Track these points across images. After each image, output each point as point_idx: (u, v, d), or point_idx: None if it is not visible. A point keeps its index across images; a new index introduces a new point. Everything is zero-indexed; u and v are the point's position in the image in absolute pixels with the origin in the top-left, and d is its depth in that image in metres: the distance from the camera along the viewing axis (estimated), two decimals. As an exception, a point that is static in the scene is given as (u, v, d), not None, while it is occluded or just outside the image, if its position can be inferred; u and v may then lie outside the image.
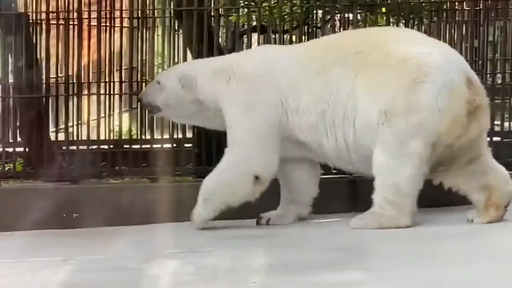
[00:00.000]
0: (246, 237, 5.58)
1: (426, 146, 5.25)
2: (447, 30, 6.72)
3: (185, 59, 6.78)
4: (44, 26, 6.50)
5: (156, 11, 6.67)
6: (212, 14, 6.64)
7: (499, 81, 6.76)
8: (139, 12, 6.66)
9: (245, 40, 6.93)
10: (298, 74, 5.60)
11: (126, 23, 6.80)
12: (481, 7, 6.71)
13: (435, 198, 5.87)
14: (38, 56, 6.48)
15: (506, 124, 6.78)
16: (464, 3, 6.78)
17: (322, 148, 5.58)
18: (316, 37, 7.13)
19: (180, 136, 6.64)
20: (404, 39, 5.52)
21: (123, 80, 6.70)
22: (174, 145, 6.58)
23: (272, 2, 6.60)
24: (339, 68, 5.48)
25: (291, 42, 6.82)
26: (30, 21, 6.47)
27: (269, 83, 5.64)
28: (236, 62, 5.81)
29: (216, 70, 5.77)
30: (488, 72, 6.84)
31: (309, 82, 5.53)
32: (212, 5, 6.65)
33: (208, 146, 6.43)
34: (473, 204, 5.50)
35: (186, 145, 6.60)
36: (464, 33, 7.21)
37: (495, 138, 6.55)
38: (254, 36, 6.89)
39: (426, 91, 5.23)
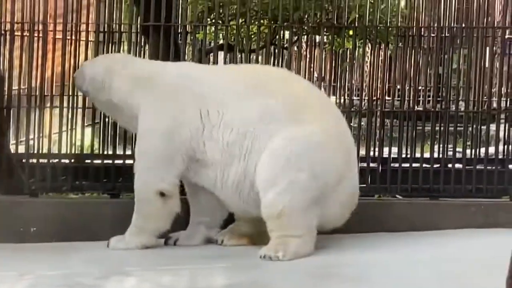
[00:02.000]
0: (203, 257, 5.56)
1: None
2: (413, 56, 6.75)
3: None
4: (8, 37, 6.45)
5: (122, 25, 6.63)
6: (179, 30, 6.64)
7: (462, 109, 6.79)
8: (106, 26, 6.63)
9: (211, 58, 6.91)
10: (226, 91, 5.58)
11: (92, 36, 6.75)
12: (446, 34, 6.76)
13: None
14: (1, 67, 6.39)
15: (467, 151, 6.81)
16: (430, 29, 6.80)
17: (227, 173, 5.52)
18: (283, 58, 7.17)
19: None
20: None
21: (86, 94, 6.63)
22: (136, 161, 6.55)
23: (240, 21, 6.58)
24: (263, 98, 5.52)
25: (257, 61, 6.83)
26: (-6, 31, 6.41)
27: (190, 96, 5.58)
28: (160, 71, 5.77)
29: (137, 76, 5.72)
30: (452, 99, 6.89)
31: (238, 101, 5.51)
32: (180, 22, 6.63)
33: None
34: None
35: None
36: (429, 59, 7.31)
37: (457, 165, 6.65)
38: (221, 55, 6.88)
39: None
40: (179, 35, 6.65)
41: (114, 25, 6.61)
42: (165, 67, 5.85)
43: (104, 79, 5.76)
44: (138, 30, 6.65)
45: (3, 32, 6.44)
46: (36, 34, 6.43)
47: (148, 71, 5.75)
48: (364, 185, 6.44)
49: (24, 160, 6.50)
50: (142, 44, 6.80)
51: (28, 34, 6.42)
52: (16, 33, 6.46)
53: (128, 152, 6.60)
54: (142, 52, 6.79)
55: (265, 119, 5.47)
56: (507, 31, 6.90)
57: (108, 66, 5.84)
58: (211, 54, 6.89)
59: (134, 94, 5.68)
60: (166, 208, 5.68)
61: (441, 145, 6.75)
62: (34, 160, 6.46)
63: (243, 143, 5.48)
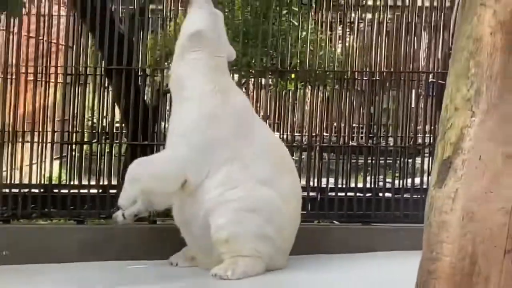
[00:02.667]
0: (162, 277, 5.53)
1: None
2: (348, 97, 6.81)
3: (113, 113, 6.74)
4: (-17, 78, 6.43)
5: (88, 68, 6.63)
6: (140, 73, 6.64)
7: (391, 144, 6.87)
8: (73, 69, 6.63)
9: (168, 98, 6.92)
10: None
11: (60, 78, 6.75)
12: (377, 78, 6.83)
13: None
14: (-23, 105, 6.37)
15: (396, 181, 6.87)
16: (363, 74, 6.88)
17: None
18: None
19: (106, 182, 6.56)
20: None
21: (55, 130, 6.62)
22: (100, 190, 6.53)
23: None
24: None
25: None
26: (-30, 73, 6.38)
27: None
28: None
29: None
30: (382, 135, 6.97)
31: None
32: (139, 66, 6.64)
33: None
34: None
35: (111, 190, 6.54)
36: (362, 100, 7.38)
37: (387, 194, 6.71)
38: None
39: None
40: (139, 78, 6.65)
41: (80, 68, 6.60)
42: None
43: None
44: (102, 73, 6.65)
45: (-22, 74, 6.42)
46: (9, 76, 6.39)
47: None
48: (305, 212, 6.45)
49: (-3, 190, 6.49)
50: (106, 85, 6.81)
51: (2, 76, 6.39)
52: (-10, 76, 6.44)
53: (92, 182, 6.60)
54: (105, 93, 6.81)
55: None
56: (430, 75, 6.97)
57: None
58: (168, 94, 6.91)
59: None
60: (178, 193, 5.49)
61: (372, 176, 6.80)
62: (7, 190, 6.40)
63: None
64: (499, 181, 2.56)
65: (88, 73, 6.62)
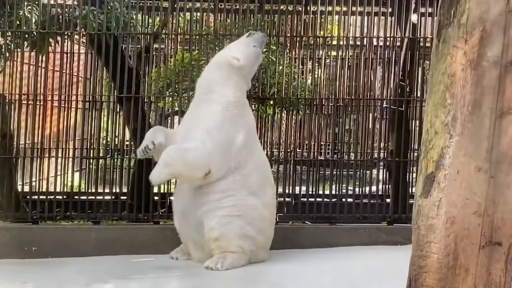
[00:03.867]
0: (163, 267, 5.55)
1: None
2: (317, 120, 6.83)
3: (124, 133, 6.78)
4: (17, 105, 6.44)
5: (103, 96, 6.65)
6: (146, 100, 6.67)
7: (352, 158, 6.90)
8: (90, 96, 6.65)
9: (169, 120, 6.96)
10: None
11: (80, 104, 6.79)
12: (341, 104, 6.85)
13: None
14: (11, 127, 6.39)
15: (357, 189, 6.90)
16: (329, 100, 6.92)
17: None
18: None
19: (118, 190, 6.59)
20: None
21: (76, 147, 6.65)
22: (113, 197, 6.56)
23: (190, 94, 6.66)
24: None
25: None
26: (7, 100, 6.39)
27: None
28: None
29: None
30: (345, 151, 6.99)
31: None
32: (146, 93, 6.67)
33: (138, 198, 6.45)
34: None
35: (122, 197, 6.57)
36: (328, 122, 7.41)
37: (349, 200, 6.73)
38: (176, 118, 6.93)
39: None
40: (145, 104, 6.68)
41: (96, 96, 6.62)
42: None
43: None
44: (115, 100, 6.67)
45: (13, 101, 6.44)
46: (38, 103, 6.42)
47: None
48: (281, 214, 6.53)
49: (27, 196, 6.49)
50: (118, 110, 6.83)
51: (32, 103, 6.43)
52: (23, 102, 6.45)
53: (107, 190, 6.60)
54: (117, 116, 6.83)
55: None
56: (384, 102, 6.98)
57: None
58: (169, 117, 6.94)
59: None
60: (198, 180, 5.37)
61: (337, 185, 6.81)
62: (36, 196, 6.45)
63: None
64: (473, 190, 2.61)
65: (103, 100, 6.63)
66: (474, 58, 2.61)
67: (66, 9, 6.46)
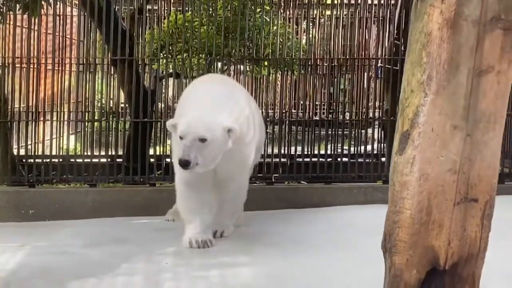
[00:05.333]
0: (160, 230, 5.56)
1: None
2: (311, 80, 6.82)
3: (118, 96, 6.74)
4: (10, 68, 6.39)
5: (97, 59, 6.60)
6: (139, 62, 6.63)
7: (348, 117, 6.88)
8: (84, 59, 6.60)
9: (164, 83, 6.94)
10: None
11: (74, 68, 6.74)
12: (336, 64, 6.83)
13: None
14: (6, 91, 6.35)
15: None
16: (324, 60, 6.89)
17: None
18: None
19: (113, 152, 6.58)
20: None
21: (71, 110, 6.62)
22: (109, 159, 6.55)
23: (184, 55, 6.63)
24: None
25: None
26: (0, 64, 6.34)
27: None
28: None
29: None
30: (340, 111, 6.94)
31: None
32: (140, 56, 6.63)
33: (134, 161, 6.44)
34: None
35: (117, 159, 6.56)
36: (323, 82, 7.41)
37: (344, 159, 6.76)
38: (170, 80, 6.90)
39: None
40: (139, 66, 6.64)
41: (90, 58, 6.58)
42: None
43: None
44: (109, 63, 6.64)
45: (6, 64, 6.40)
46: (31, 66, 6.38)
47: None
48: (277, 175, 6.56)
49: (24, 160, 6.48)
50: (112, 73, 6.80)
51: (25, 66, 6.38)
52: (16, 65, 6.40)
53: (102, 153, 6.60)
54: (111, 79, 6.80)
55: None
56: (379, 61, 6.95)
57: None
58: (163, 80, 6.92)
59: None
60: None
61: (332, 145, 6.84)
62: (31, 160, 6.43)
63: None
64: (448, 147, 2.61)
65: (96, 63, 6.58)
66: (451, 17, 2.59)
67: (58, -29, 6.38)
